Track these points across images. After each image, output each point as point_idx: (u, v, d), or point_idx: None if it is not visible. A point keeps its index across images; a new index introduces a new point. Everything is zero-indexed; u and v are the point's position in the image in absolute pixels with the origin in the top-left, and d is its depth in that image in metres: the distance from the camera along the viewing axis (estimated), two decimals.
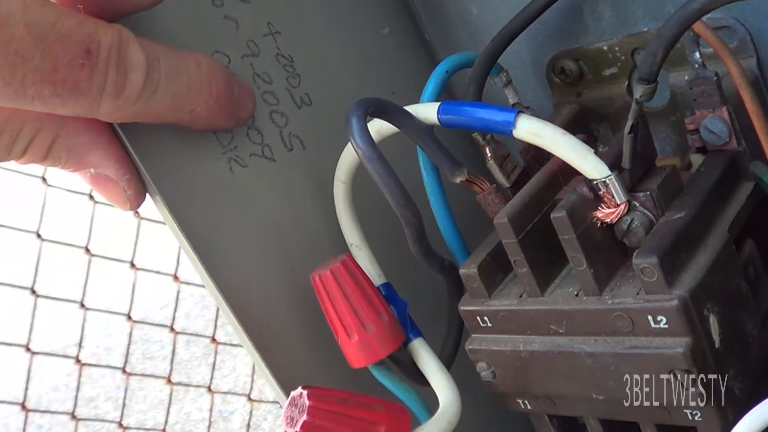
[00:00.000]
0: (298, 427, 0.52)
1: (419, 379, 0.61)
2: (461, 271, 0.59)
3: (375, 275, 0.63)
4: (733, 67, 0.54)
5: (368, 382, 0.60)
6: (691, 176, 0.57)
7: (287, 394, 0.61)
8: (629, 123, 0.53)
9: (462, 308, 0.60)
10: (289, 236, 0.64)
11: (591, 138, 0.67)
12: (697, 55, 0.56)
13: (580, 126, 0.67)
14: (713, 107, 0.56)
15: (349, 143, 0.59)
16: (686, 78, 0.57)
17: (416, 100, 0.62)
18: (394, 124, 0.57)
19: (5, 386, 3.10)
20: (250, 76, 0.63)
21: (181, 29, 0.60)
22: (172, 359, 1.85)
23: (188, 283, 1.97)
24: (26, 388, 1.68)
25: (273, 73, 0.65)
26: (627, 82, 0.66)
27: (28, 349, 1.71)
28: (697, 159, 0.59)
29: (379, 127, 0.58)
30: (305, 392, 0.52)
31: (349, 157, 0.61)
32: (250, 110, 0.61)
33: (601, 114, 0.68)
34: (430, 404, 0.61)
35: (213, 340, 1.91)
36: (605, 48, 0.66)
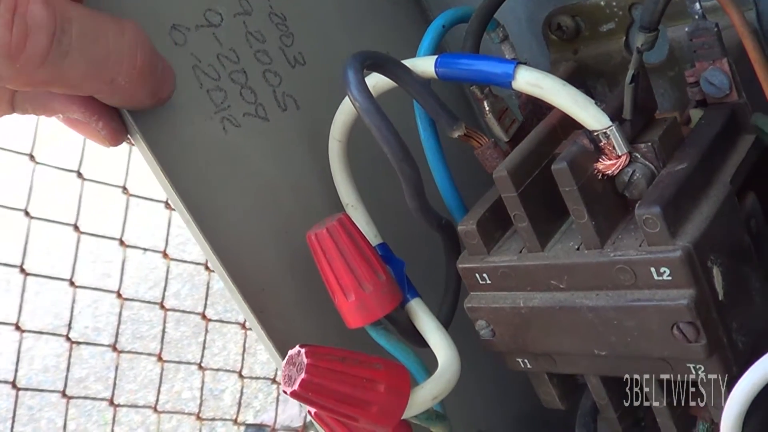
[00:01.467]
0: (296, 386, 0.51)
1: (417, 340, 0.61)
2: (460, 228, 0.58)
3: (371, 235, 0.62)
4: (736, 16, 0.53)
5: (365, 343, 0.60)
6: (692, 129, 0.56)
7: (283, 356, 0.60)
8: (630, 73, 0.52)
9: (460, 266, 0.59)
10: (284, 196, 0.64)
11: (588, 95, 0.66)
12: (697, 6, 0.55)
13: (577, 83, 0.66)
14: (713, 59, 0.55)
15: (344, 100, 0.59)
16: (686, 29, 0.56)
17: None
18: (391, 78, 0.56)
19: None
20: (243, 35, 0.63)
21: None
22: (163, 336, 1.84)
23: (178, 260, 1.96)
24: (16, 367, 1.67)
25: (266, 31, 0.64)
26: (624, 38, 0.66)
27: (17, 328, 1.69)
28: (696, 114, 0.58)
29: (374, 83, 0.57)
30: (303, 350, 0.52)
31: (344, 114, 0.60)
32: (170, 90, 0.57)
33: (599, 70, 0.68)
34: (428, 365, 0.60)
35: (203, 317, 1.90)
36: (602, 3, 0.65)
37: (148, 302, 2.14)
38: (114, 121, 0.56)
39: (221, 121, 0.61)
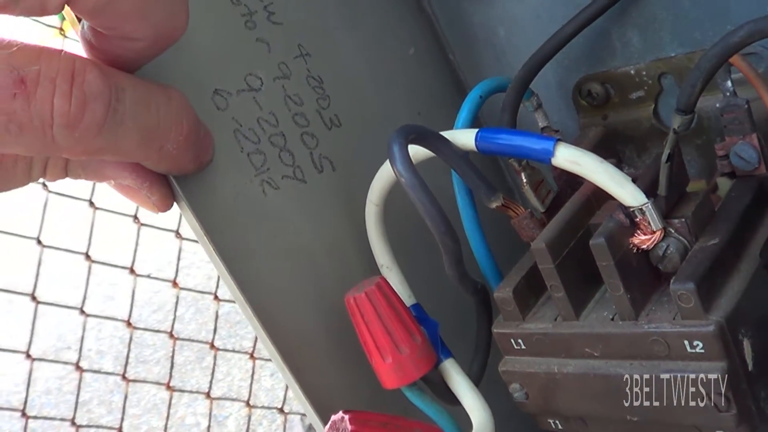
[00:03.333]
0: None
1: (451, 399, 0.62)
2: (496, 295, 0.60)
3: (406, 296, 0.64)
4: (767, 96, 0.55)
5: (399, 402, 0.61)
6: (721, 202, 0.58)
7: (320, 414, 0.62)
8: (666, 152, 0.54)
9: (496, 331, 0.61)
10: (321, 257, 0.65)
11: (617, 160, 0.68)
12: (729, 83, 0.57)
13: (606, 148, 0.68)
14: (743, 134, 0.57)
15: (383, 166, 0.60)
16: (717, 105, 0.58)
17: (442, 121, 0.63)
18: (432, 150, 0.57)
19: None
20: (282, 98, 0.64)
21: (215, 52, 0.61)
22: (172, 365, 1.85)
23: (186, 289, 1.97)
24: (26, 396, 1.68)
25: (303, 94, 0.66)
26: (653, 106, 0.67)
27: (28, 356, 1.71)
28: (723, 182, 0.60)
29: (413, 152, 0.59)
30: (347, 417, 0.53)
31: (382, 180, 0.61)
32: (210, 155, 0.59)
33: (627, 136, 0.69)
34: (462, 422, 0.61)
35: (212, 346, 1.91)
36: (632, 72, 0.67)
37: (156, 331, 2.15)
38: (164, 186, 0.57)
39: (261, 183, 0.62)
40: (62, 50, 0.47)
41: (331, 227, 0.66)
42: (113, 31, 0.48)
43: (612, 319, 0.56)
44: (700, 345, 0.51)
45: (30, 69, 0.45)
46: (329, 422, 0.54)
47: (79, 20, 0.50)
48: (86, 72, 0.47)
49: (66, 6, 0.46)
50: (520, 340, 0.59)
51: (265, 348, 0.63)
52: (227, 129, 0.61)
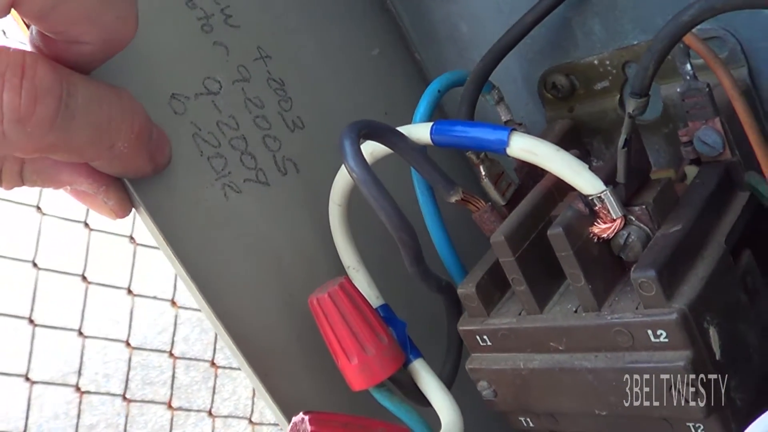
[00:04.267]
0: None
1: (420, 400, 0.61)
2: (459, 291, 0.59)
3: (373, 297, 0.63)
4: (725, 79, 0.54)
5: (369, 404, 0.60)
6: (686, 188, 0.57)
7: (288, 419, 0.61)
8: (622, 137, 0.53)
9: (461, 328, 0.60)
10: (286, 260, 0.64)
11: (584, 152, 0.67)
12: (688, 66, 0.56)
13: (573, 140, 0.67)
14: (706, 118, 0.56)
15: (344, 166, 0.59)
16: (678, 90, 0.56)
17: (409, 120, 0.62)
18: (387, 146, 0.57)
19: (4, 415, 3.10)
20: (242, 101, 0.63)
21: (171, 56, 0.61)
22: (172, 384, 1.84)
23: (186, 308, 1.96)
24: (26, 421, 1.67)
25: (264, 97, 0.65)
26: (618, 96, 0.66)
27: (27, 379, 1.70)
28: (691, 170, 0.59)
29: (372, 149, 0.58)
30: (307, 417, 0.52)
31: (343, 179, 0.60)
32: (167, 157, 0.58)
33: (594, 128, 0.68)
34: (432, 424, 0.60)
35: (212, 364, 1.90)
36: (596, 62, 0.66)
37: (158, 350, 2.15)
38: (121, 191, 0.57)
39: (222, 187, 0.61)
40: (11, 47, 0.46)
41: (296, 229, 0.65)
42: (61, 36, 0.48)
43: (575, 312, 0.55)
44: (664, 334, 0.50)
45: None
46: (290, 424, 0.53)
47: (28, 26, 0.50)
48: (37, 66, 0.46)
49: (12, 9, 0.45)
50: (485, 337, 0.58)
51: (232, 354, 0.62)
52: (186, 133, 0.60)
